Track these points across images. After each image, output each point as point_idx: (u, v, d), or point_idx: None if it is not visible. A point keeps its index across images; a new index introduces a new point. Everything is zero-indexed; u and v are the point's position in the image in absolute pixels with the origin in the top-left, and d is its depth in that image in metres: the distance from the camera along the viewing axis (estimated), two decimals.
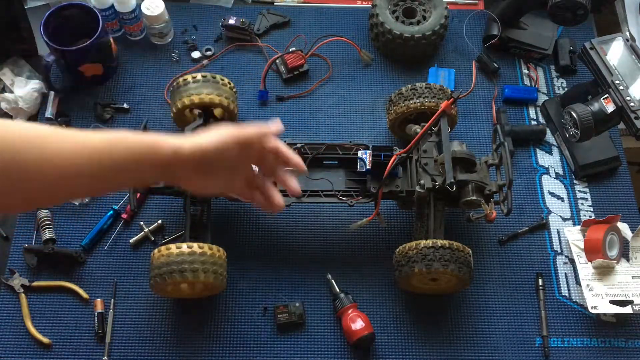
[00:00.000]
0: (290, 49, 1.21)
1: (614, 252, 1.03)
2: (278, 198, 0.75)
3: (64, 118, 1.14)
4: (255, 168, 0.75)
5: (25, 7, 1.20)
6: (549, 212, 1.11)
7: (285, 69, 1.20)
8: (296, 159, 0.74)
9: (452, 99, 0.99)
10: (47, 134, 0.58)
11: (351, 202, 0.98)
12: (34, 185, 0.57)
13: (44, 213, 1.05)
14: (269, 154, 0.73)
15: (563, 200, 1.12)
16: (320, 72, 1.22)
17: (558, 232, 1.09)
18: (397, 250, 0.96)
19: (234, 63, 1.23)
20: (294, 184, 0.75)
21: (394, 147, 0.99)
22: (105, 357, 0.97)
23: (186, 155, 0.64)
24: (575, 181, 1.14)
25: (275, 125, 0.73)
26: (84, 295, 1.00)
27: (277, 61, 1.21)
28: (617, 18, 1.35)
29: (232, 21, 1.22)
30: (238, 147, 0.68)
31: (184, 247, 0.90)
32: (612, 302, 1.00)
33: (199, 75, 1.04)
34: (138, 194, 1.02)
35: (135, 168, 0.63)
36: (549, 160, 1.16)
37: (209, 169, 0.68)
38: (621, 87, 0.98)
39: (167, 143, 0.64)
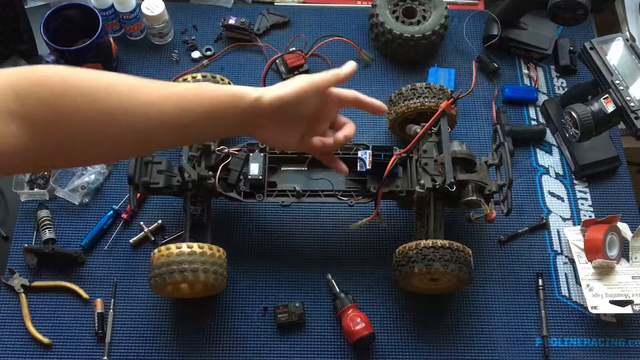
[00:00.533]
0: (290, 49, 1.21)
1: (614, 252, 1.03)
2: (343, 167, 0.81)
3: None
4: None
5: (25, 7, 1.21)
6: (549, 212, 1.11)
7: (285, 69, 1.20)
8: (377, 102, 0.77)
9: (452, 99, 0.99)
10: (135, 84, 0.59)
11: (351, 202, 0.98)
12: (124, 134, 0.58)
13: (43, 213, 1.05)
14: (347, 103, 0.76)
15: (563, 200, 1.12)
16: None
17: (558, 232, 1.09)
18: (397, 250, 0.96)
19: (234, 63, 1.23)
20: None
21: (394, 147, 0.99)
22: (105, 357, 0.97)
23: (266, 103, 0.66)
24: (575, 181, 1.14)
25: (348, 67, 0.74)
26: (84, 295, 1.00)
27: (277, 61, 1.21)
28: (617, 18, 1.35)
29: (232, 21, 1.22)
30: (316, 94, 0.71)
31: (184, 247, 0.89)
32: (612, 302, 1.00)
33: (199, 75, 1.04)
34: (138, 194, 1.02)
35: (220, 116, 0.65)
36: (549, 160, 1.16)
37: (286, 119, 0.71)
38: (621, 87, 0.98)
39: (249, 92, 0.66)
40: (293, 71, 1.20)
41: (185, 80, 1.04)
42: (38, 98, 0.53)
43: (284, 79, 1.20)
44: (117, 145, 0.59)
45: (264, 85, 1.18)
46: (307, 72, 1.20)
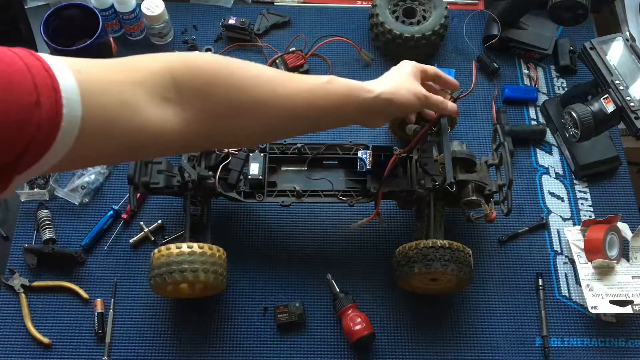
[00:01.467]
0: (290, 49, 1.21)
1: (614, 252, 1.03)
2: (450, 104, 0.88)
3: None
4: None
5: (25, 7, 1.21)
6: (549, 212, 1.11)
7: (285, 69, 1.20)
8: (452, 79, 0.90)
9: (452, 100, 0.99)
10: (274, 76, 0.66)
11: (351, 202, 0.98)
12: (264, 123, 0.64)
13: (43, 213, 1.05)
14: (429, 78, 0.88)
15: (563, 200, 1.12)
16: (320, 73, 1.22)
17: (558, 232, 1.09)
18: (397, 250, 0.96)
19: None
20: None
21: (394, 147, 0.99)
22: (105, 357, 0.97)
23: (383, 101, 0.76)
24: (575, 181, 1.14)
25: (453, 107, 0.88)
26: (84, 295, 1.00)
27: (277, 61, 1.21)
28: (617, 18, 1.35)
29: (232, 21, 1.22)
30: (419, 103, 0.81)
31: (184, 247, 0.89)
32: (612, 302, 1.00)
33: None
34: (138, 194, 1.02)
35: (344, 111, 0.73)
36: (549, 160, 1.16)
37: (393, 115, 0.86)
38: (621, 87, 0.98)
39: (370, 88, 0.75)
40: (293, 71, 1.20)
41: None
42: (193, 88, 0.58)
43: None
44: (255, 132, 0.65)
45: None
46: (307, 72, 1.21)
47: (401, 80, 0.80)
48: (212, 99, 0.59)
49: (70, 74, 0.46)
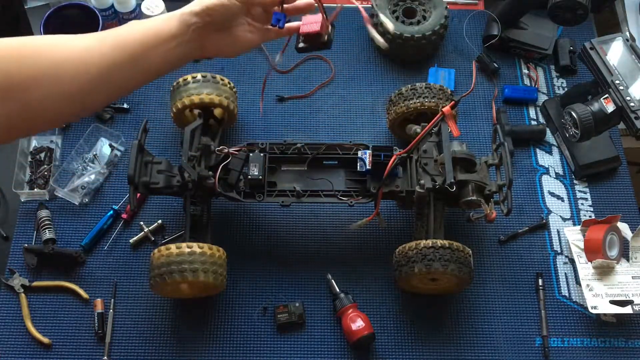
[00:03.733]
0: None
1: (614, 252, 1.03)
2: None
3: None
4: None
5: (25, 7, 1.21)
6: (549, 212, 1.11)
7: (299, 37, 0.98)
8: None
9: (452, 102, 0.99)
10: (70, 37, 0.63)
11: (351, 202, 0.98)
12: (73, 85, 0.61)
13: (43, 213, 1.05)
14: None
15: (563, 200, 1.12)
16: (320, 73, 1.23)
17: (558, 232, 1.09)
18: (397, 250, 0.96)
19: (234, 62, 1.23)
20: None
21: (394, 147, 0.99)
22: (105, 357, 0.97)
23: (192, 16, 0.70)
24: (575, 181, 1.14)
25: None
26: (84, 295, 1.00)
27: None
28: (617, 18, 1.35)
29: None
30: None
31: (184, 247, 0.89)
32: (612, 302, 1.00)
33: (199, 75, 1.04)
34: (138, 194, 1.02)
35: (159, 43, 0.69)
36: (549, 160, 1.16)
37: (220, 25, 0.74)
38: (621, 87, 0.98)
39: (175, 13, 0.70)
40: (308, 42, 0.94)
41: (185, 80, 1.04)
42: None
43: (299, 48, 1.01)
44: (71, 98, 0.62)
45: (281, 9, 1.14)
46: (327, 45, 0.95)
47: None
48: (16, 77, 0.57)
49: None
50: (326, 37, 0.87)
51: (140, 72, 0.70)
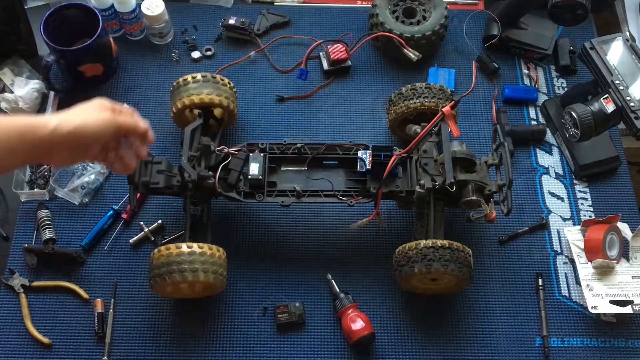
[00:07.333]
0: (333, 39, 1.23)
1: (614, 252, 1.03)
2: (129, 158, 0.76)
3: None
4: None
5: (25, 7, 1.21)
6: (549, 212, 1.11)
7: (327, 62, 1.21)
8: (151, 135, 0.77)
9: (452, 102, 0.99)
10: None
11: (351, 202, 0.98)
12: None
13: (43, 213, 1.05)
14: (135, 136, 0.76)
15: (563, 200, 1.12)
16: (320, 73, 1.23)
17: (558, 232, 1.09)
18: (397, 250, 0.96)
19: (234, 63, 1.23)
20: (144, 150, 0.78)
21: (394, 147, 0.99)
22: (105, 357, 0.97)
23: (64, 134, 0.66)
24: (575, 181, 1.14)
25: (145, 124, 0.76)
26: (84, 295, 1.00)
27: (321, 53, 1.22)
28: (617, 18, 1.35)
29: (232, 21, 1.22)
30: (115, 132, 0.71)
31: (184, 247, 0.89)
32: (612, 302, 1.00)
33: (199, 75, 1.04)
34: (138, 194, 1.02)
35: (16, 148, 0.64)
36: (549, 160, 1.16)
37: (83, 148, 0.70)
38: (621, 87, 0.98)
39: (46, 122, 0.65)
40: (335, 66, 1.21)
41: (185, 80, 1.04)
42: None
43: (324, 71, 1.22)
44: None
45: (305, 65, 1.20)
46: (349, 69, 1.22)
47: (85, 109, 0.71)
48: None
49: None
50: (348, 62, 1.21)
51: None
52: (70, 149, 0.68)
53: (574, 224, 1.10)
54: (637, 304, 1.00)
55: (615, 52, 1.02)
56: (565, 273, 1.06)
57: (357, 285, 1.02)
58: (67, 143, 0.67)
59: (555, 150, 1.17)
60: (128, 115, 0.74)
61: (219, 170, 0.97)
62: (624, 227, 1.07)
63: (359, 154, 0.98)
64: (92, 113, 0.70)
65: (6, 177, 1.08)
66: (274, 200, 0.98)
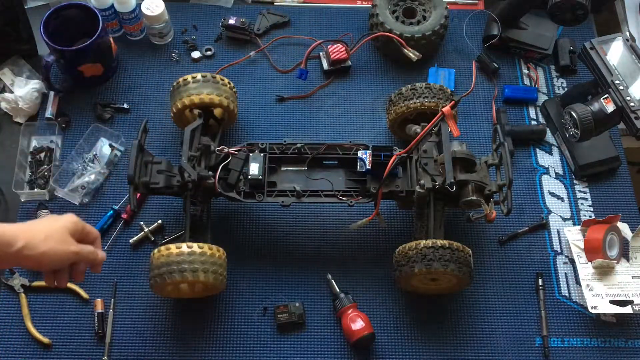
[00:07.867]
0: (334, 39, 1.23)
1: (614, 252, 1.03)
2: (64, 282, 0.78)
3: (63, 118, 1.14)
4: None
5: (25, 7, 1.20)
6: (549, 212, 1.11)
7: (328, 62, 1.21)
8: (99, 267, 0.80)
9: (452, 102, 0.99)
10: None
11: (351, 202, 0.98)
12: None
13: (43, 213, 1.05)
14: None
15: (563, 200, 1.12)
16: (320, 73, 1.23)
17: (558, 232, 1.09)
18: (397, 250, 0.96)
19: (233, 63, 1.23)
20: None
21: (394, 147, 0.99)
22: (105, 357, 0.97)
23: (26, 256, 0.70)
24: (575, 181, 1.14)
25: (103, 255, 0.80)
26: (84, 295, 1.00)
27: (321, 53, 1.22)
28: (617, 18, 1.35)
29: (232, 21, 1.22)
30: (73, 263, 0.75)
31: (184, 247, 0.89)
32: (612, 302, 1.00)
33: (199, 75, 1.04)
34: (138, 194, 1.02)
35: None
36: (549, 160, 1.16)
37: (40, 269, 0.76)
38: (621, 87, 0.98)
39: (9, 240, 0.68)
40: (335, 66, 1.21)
41: (185, 80, 1.04)
42: None
43: (324, 71, 1.22)
44: None
45: (305, 65, 1.21)
46: (349, 69, 1.22)
47: (53, 235, 0.73)
48: None
49: None
50: (348, 62, 1.21)
51: None
52: (29, 266, 0.81)
53: (574, 224, 1.10)
54: (637, 304, 1.00)
55: (615, 52, 1.02)
56: (565, 273, 1.06)
57: (357, 285, 1.02)
58: (27, 263, 0.72)
59: (555, 150, 1.17)
60: (90, 247, 0.77)
61: (219, 170, 0.97)
62: (624, 227, 1.07)
63: (359, 154, 0.98)
64: (58, 244, 0.73)
65: (6, 177, 1.08)
66: (274, 200, 0.98)
